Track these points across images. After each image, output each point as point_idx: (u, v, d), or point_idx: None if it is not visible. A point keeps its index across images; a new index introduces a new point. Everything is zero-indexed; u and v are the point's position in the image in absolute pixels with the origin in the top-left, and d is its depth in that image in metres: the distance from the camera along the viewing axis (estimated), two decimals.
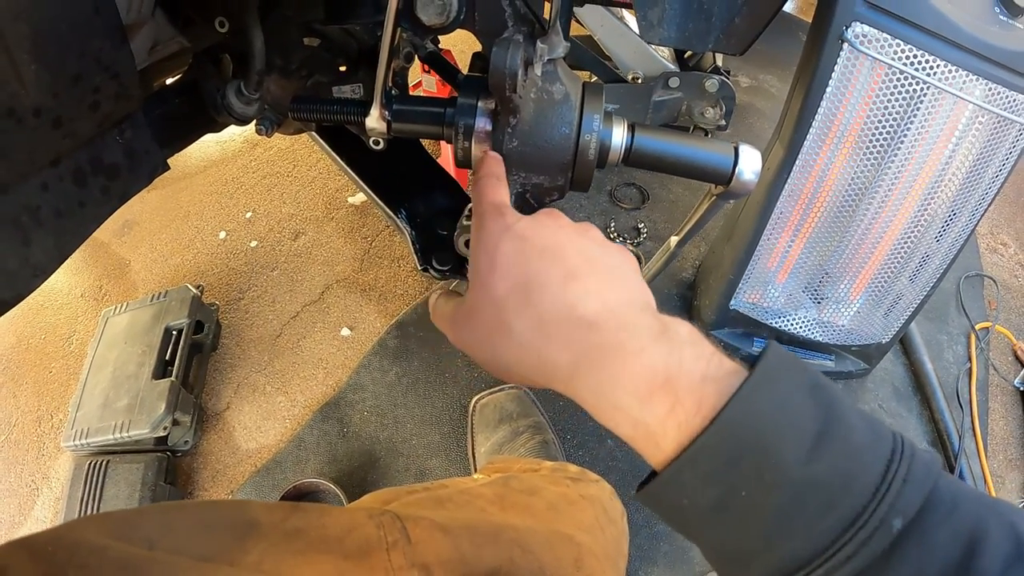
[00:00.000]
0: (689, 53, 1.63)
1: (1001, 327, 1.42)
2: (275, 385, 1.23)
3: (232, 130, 1.36)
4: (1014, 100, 0.87)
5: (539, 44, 0.52)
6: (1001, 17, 0.86)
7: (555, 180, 0.55)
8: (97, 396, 1.15)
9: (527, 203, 0.57)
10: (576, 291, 0.39)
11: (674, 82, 1.57)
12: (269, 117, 0.76)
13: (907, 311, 1.14)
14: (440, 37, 0.68)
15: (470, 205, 0.53)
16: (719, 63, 1.62)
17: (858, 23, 0.83)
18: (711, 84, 1.57)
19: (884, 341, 1.19)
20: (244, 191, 1.59)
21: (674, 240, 0.92)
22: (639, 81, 1.58)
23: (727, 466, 0.33)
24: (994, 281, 1.52)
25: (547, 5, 0.59)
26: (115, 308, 1.28)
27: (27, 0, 0.43)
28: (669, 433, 0.35)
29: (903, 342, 1.34)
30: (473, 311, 0.43)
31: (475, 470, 1.09)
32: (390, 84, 0.60)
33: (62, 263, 0.57)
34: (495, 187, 0.48)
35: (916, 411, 1.26)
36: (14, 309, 0.56)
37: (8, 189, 0.50)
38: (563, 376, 0.39)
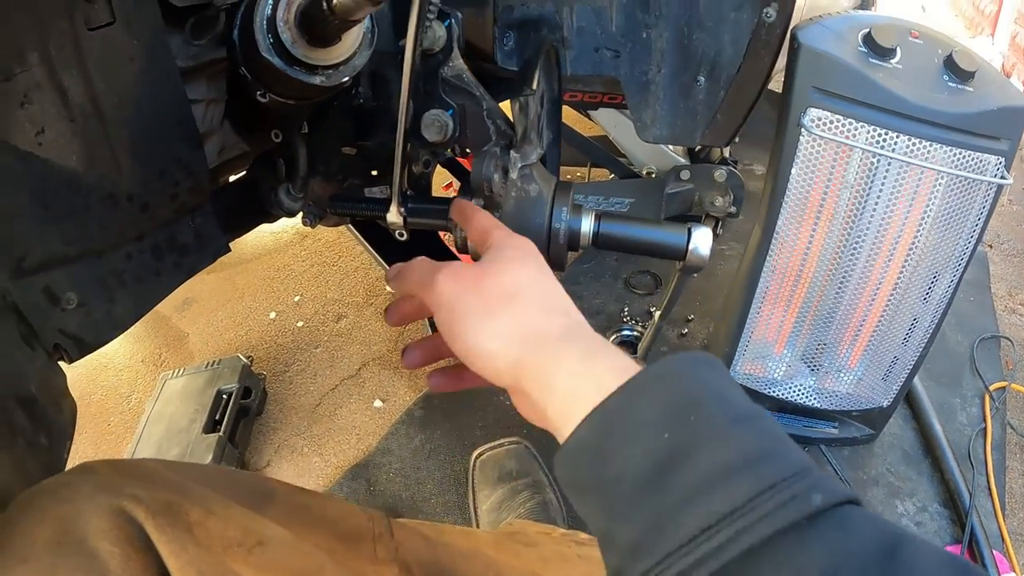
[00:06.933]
0: (699, 147, 1.74)
1: (1018, 385, 1.39)
2: (312, 448, 1.33)
3: (285, 222, 1.54)
4: (977, 160, 0.89)
5: (512, 153, 0.66)
6: (951, 84, 0.89)
7: None
8: (151, 446, 1.23)
9: None
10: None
11: (685, 175, 1.60)
12: (313, 212, 0.88)
13: (903, 373, 1.14)
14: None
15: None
16: (727, 155, 1.69)
17: (813, 108, 0.87)
18: (720, 175, 1.60)
19: (885, 405, 1.19)
20: (294, 277, 1.75)
21: (657, 314, 1.06)
22: (653, 175, 1.64)
23: (673, 408, 0.35)
24: (1011, 341, 1.50)
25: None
26: (173, 372, 1.41)
27: (128, 110, 0.56)
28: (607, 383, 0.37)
29: (912, 406, 1.34)
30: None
31: (477, 527, 1.09)
32: (406, 187, 0.73)
33: (137, 321, 0.66)
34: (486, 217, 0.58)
35: (927, 474, 1.24)
36: (76, 369, 0.62)
37: (102, 255, 0.62)
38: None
